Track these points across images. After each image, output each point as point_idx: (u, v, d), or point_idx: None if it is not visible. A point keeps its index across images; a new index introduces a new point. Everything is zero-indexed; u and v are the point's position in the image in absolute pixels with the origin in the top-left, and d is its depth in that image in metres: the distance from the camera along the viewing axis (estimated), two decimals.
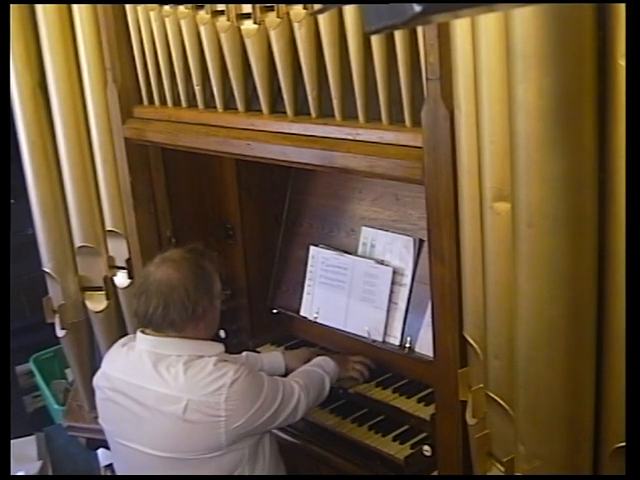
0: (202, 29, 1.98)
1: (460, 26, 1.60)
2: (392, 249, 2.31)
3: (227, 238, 2.66)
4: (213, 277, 1.92)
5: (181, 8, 2.02)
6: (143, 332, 1.92)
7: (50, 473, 2.89)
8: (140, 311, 1.87)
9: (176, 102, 2.22)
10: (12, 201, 2.80)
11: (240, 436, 1.84)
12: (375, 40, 1.70)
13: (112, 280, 2.54)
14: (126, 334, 2.30)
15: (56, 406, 3.26)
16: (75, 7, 2.30)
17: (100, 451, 2.80)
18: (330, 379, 2.09)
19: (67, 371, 3.29)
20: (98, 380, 2.00)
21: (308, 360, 2.24)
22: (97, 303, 2.58)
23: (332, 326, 2.40)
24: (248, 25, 1.88)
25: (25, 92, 2.43)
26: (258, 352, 2.52)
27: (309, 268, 2.48)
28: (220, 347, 1.93)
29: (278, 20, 1.82)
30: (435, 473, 1.91)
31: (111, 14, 2.23)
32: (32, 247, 2.63)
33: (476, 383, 1.72)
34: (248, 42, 1.89)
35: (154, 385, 1.84)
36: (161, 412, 1.82)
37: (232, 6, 1.90)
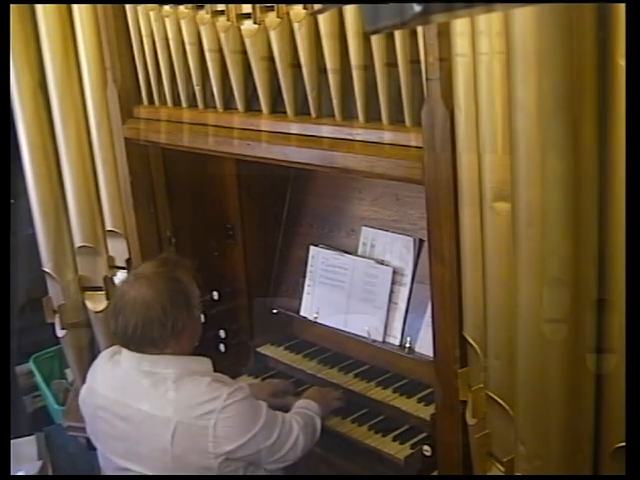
0: (202, 29, 1.97)
1: (460, 26, 1.60)
2: (392, 249, 2.31)
3: (227, 238, 2.66)
4: (189, 287, 1.87)
5: (181, 8, 2.02)
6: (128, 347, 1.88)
7: (50, 473, 2.88)
8: (119, 331, 1.82)
9: (176, 102, 2.22)
10: (12, 201, 2.80)
11: (232, 461, 1.79)
12: (375, 40, 1.71)
13: (112, 280, 2.54)
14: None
15: (56, 406, 3.25)
16: (75, 7, 2.30)
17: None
18: (319, 420, 2.04)
19: (67, 371, 3.29)
20: (85, 396, 1.95)
21: (273, 392, 2.21)
22: (97, 303, 2.58)
23: (332, 326, 2.40)
24: (248, 25, 1.88)
25: (25, 92, 2.43)
26: (261, 354, 2.53)
27: (309, 268, 2.48)
28: (208, 363, 1.89)
29: (278, 20, 1.82)
30: (435, 473, 1.91)
31: (111, 14, 2.23)
32: (32, 247, 2.63)
33: (476, 383, 1.72)
34: (248, 42, 1.89)
35: (142, 405, 1.80)
36: (150, 433, 1.79)
37: (232, 6, 1.90)
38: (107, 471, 2.01)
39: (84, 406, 1.96)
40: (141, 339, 1.81)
